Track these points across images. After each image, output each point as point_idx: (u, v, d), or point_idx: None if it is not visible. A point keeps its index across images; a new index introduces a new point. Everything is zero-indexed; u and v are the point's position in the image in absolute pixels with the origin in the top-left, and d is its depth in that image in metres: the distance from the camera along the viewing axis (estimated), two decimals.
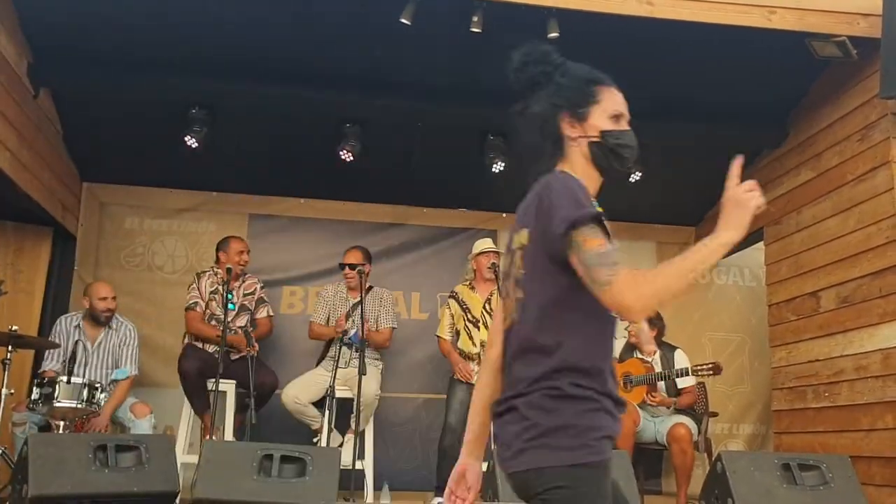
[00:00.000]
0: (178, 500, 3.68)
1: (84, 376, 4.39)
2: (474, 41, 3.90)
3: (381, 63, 4.56)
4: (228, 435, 4.66)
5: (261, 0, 4.14)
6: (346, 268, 4.94)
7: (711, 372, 4.75)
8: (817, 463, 3.70)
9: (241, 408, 4.69)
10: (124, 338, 4.81)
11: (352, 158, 5.00)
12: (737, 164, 1.62)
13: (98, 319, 4.74)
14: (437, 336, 5.00)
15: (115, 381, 4.65)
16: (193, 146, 4.84)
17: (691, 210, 6.24)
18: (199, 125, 4.82)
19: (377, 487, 4.78)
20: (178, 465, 3.93)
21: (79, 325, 4.76)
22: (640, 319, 1.49)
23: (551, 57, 1.73)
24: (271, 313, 5.13)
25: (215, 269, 5.05)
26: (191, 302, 4.90)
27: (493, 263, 4.83)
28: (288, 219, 6.02)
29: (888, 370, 4.07)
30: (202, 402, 4.60)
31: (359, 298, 4.79)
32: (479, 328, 4.83)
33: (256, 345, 4.57)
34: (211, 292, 4.94)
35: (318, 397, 4.71)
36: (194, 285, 4.97)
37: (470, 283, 5.01)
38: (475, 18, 3.86)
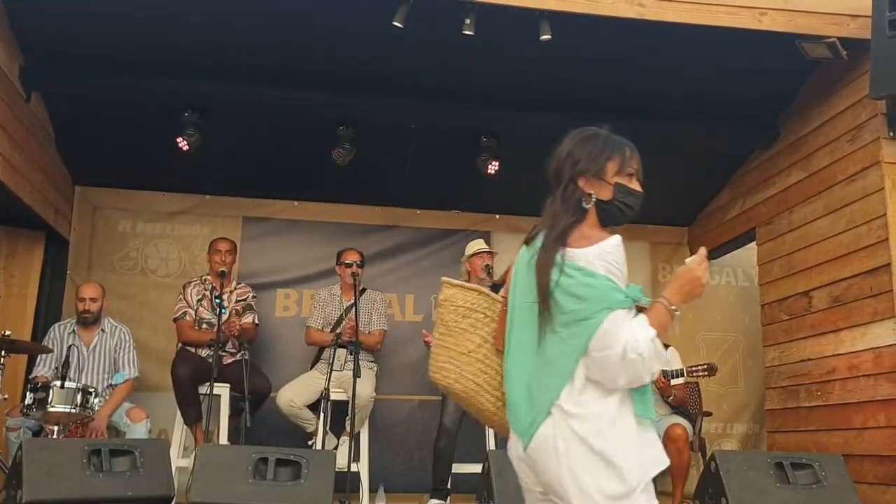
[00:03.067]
0: None
1: (81, 381, 4.38)
2: (467, 43, 3.90)
3: (375, 65, 4.56)
4: (223, 439, 4.65)
5: (254, 2, 4.14)
6: (354, 265, 4.93)
7: (706, 373, 4.77)
8: (810, 462, 3.72)
9: (235, 411, 4.68)
10: (119, 341, 4.79)
11: (345, 161, 5.00)
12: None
13: (79, 320, 4.74)
14: None
15: (113, 386, 4.63)
16: (184, 148, 4.82)
17: (684, 210, 6.27)
18: (192, 128, 4.81)
19: (372, 490, 4.78)
20: (173, 470, 3.92)
21: (73, 330, 4.75)
22: None
23: None
24: (257, 321, 5.08)
25: (203, 278, 5.06)
26: (179, 312, 4.90)
27: (487, 265, 4.83)
28: (282, 221, 6.01)
29: (880, 369, 4.09)
30: (194, 413, 4.58)
31: (352, 301, 4.79)
32: None
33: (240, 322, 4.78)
34: (198, 300, 4.93)
35: (312, 400, 4.71)
36: (181, 295, 4.97)
37: None
38: (468, 21, 3.86)
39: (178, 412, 4.66)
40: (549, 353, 1.76)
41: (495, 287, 2.00)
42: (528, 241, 1.91)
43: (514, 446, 1.84)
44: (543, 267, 1.76)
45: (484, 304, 1.95)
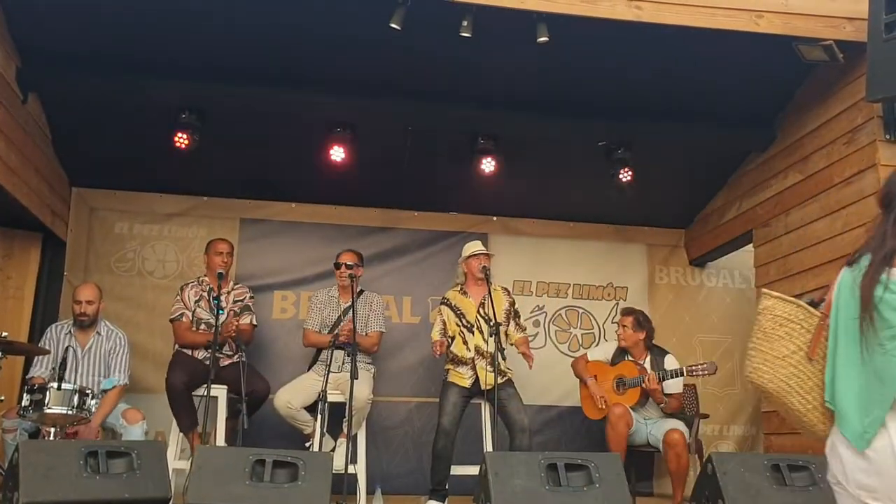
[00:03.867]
0: None
1: (75, 382, 4.37)
2: (465, 45, 3.91)
3: (372, 67, 4.57)
4: (220, 440, 4.64)
5: (251, 4, 4.14)
6: (343, 266, 4.93)
7: (706, 371, 4.78)
8: (806, 464, 3.72)
9: (232, 413, 4.67)
10: (114, 345, 4.77)
11: (342, 162, 5.00)
12: None
13: (76, 322, 4.72)
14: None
15: (104, 391, 4.62)
16: (180, 146, 4.81)
17: (681, 212, 6.28)
18: (189, 129, 4.81)
19: (370, 491, 4.77)
20: (170, 471, 3.92)
21: (70, 331, 4.74)
22: None
23: None
24: (255, 322, 5.07)
25: (200, 279, 5.06)
26: (177, 314, 4.89)
27: (484, 266, 4.83)
28: (279, 223, 6.01)
29: None
30: (188, 420, 4.56)
31: (349, 302, 4.79)
32: (473, 333, 4.82)
33: (239, 324, 4.74)
34: (195, 301, 4.93)
35: (310, 402, 4.70)
36: (178, 297, 4.96)
37: (461, 288, 4.99)
38: (465, 23, 3.87)
39: None
40: (877, 365, 1.92)
41: (814, 304, 2.21)
42: (850, 263, 2.07)
43: (844, 450, 1.97)
44: (868, 285, 1.92)
45: (801, 315, 2.14)
